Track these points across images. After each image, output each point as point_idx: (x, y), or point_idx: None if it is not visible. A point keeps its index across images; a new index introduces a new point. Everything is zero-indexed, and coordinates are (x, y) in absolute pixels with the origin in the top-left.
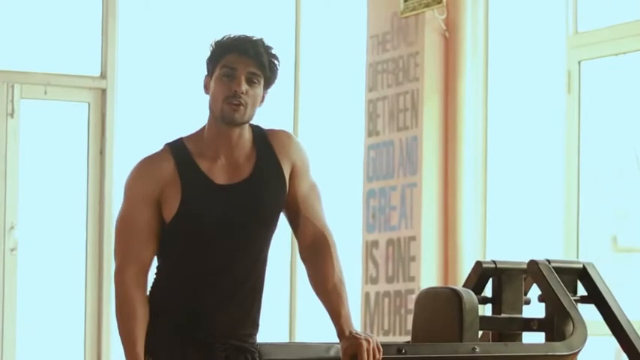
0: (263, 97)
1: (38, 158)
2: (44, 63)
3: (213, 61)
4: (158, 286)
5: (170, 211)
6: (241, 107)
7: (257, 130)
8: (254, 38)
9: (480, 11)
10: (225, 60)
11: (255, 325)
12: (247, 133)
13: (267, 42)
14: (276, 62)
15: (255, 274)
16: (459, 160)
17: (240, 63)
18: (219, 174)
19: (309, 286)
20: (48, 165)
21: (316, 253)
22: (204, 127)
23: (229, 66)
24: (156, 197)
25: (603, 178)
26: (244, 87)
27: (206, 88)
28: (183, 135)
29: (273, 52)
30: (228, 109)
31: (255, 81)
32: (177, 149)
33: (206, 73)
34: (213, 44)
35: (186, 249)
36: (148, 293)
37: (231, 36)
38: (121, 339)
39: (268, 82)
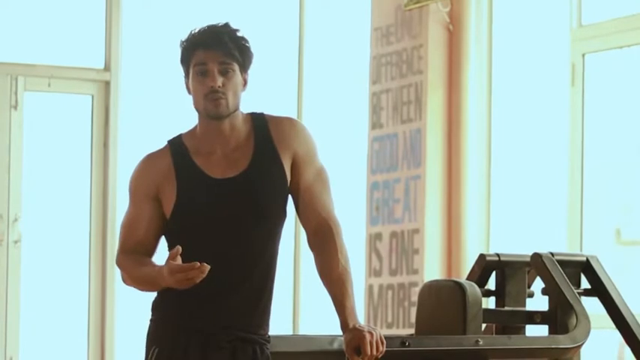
0: (245, 81)
1: (42, 151)
2: (48, 55)
3: (185, 62)
4: None
5: (168, 207)
6: (222, 100)
7: (258, 120)
8: (217, 27)
9: (484, 4)
10: (195, 58)
11: (265, 317)
12: (242, 123)
13: (232, 26)
14: (244, 44)
15: (263, 265)
16: (463, 152)
17: (209, 57)
18: (215, 168)
19: (313, 278)
20: (51, 157)
21: (321, 242)
22: (197, 124)
23: (200, 63)
24: (154, 193)
25: (607, 170)
26: (219, 80)
27: (188, 89)
28: (183, 131)
29: (238, 34)
30: (209, 105)
31: (230, 70)
32: (176, 146)
33: (184, 75)
34: (180, 45)
35: (187, 243)
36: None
37: (195, 32)
38: (140, 282)
39: (244, 66)
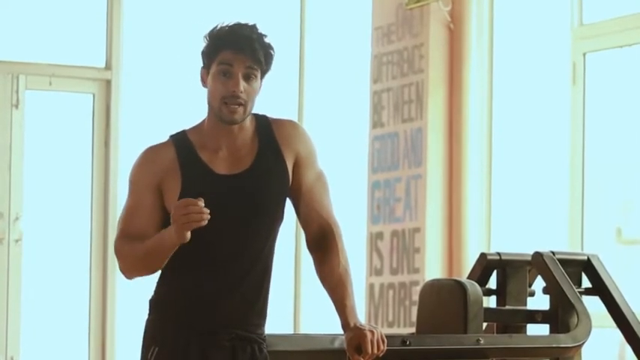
0: (260, 87)
1: (43, 149)
2: (49, 54)
3: (209, 56)
4: (163, 278)
5: (171, 200)
6: (240, 107)
7: (262, 120)
8: (247, 30)
9: (484, 3)
10: (221, 57)
11: (262, 316)
12: (249, 124)
13: (260, 30)
14: (271, 52)
15: (260, 265)
16: (464, 151)
17: (237, 60)
18: (220, 164)
19: (314, 277)
20: (53, 156)
21: (322, 244)
22: (205, 118)
23: (226, 63)
24: (157, 185)
25: (608, 169)
26: (242, 86)
27: (203, 80)
28: (187, 127)
29: (267, 41)
30: (226, 110)
31: (253, 76)
32: (180, 140)
33: (202, 65)
34: (207, 37)
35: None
36: (155, 285)
37: (225, 27)
38: (143, 257)
39: (265, 73)
